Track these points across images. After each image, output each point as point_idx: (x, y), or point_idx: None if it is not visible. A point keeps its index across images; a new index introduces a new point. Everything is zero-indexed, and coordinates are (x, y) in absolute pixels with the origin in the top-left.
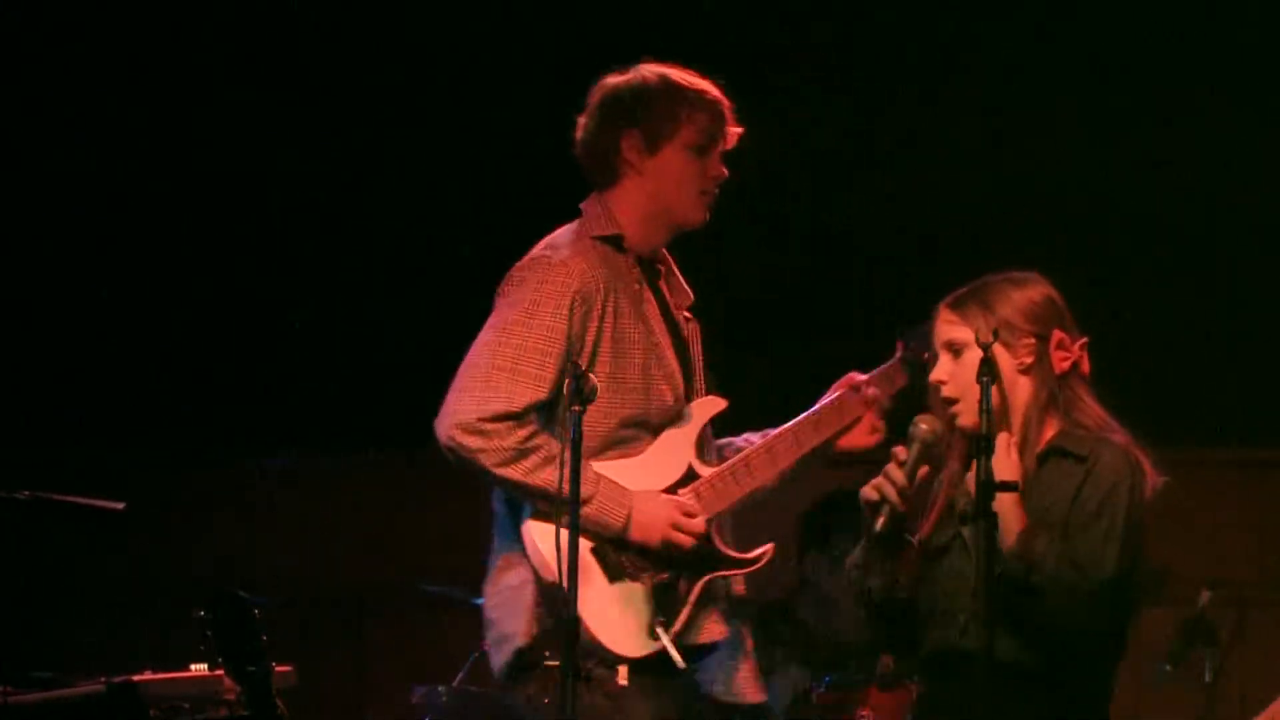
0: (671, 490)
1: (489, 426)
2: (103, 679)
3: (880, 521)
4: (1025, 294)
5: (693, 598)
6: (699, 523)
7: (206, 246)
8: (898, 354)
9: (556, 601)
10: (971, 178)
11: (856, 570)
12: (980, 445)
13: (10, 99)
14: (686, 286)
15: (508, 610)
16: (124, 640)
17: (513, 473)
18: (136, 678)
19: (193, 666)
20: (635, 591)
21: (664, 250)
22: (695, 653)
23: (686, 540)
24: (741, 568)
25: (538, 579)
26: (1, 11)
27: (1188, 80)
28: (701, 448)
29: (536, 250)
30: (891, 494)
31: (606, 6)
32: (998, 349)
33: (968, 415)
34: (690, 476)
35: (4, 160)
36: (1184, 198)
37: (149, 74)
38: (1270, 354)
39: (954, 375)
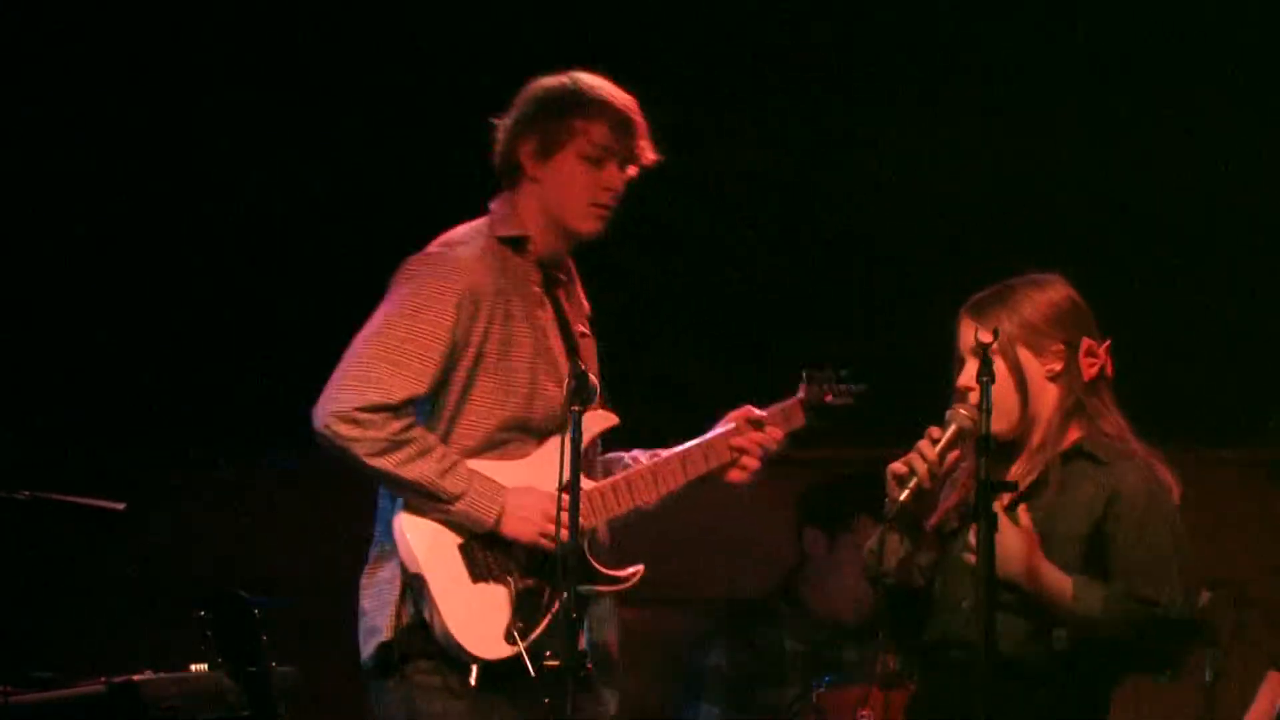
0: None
1: (364, 416)
2: (103, 679)
3: (905, 494)
4: (1049, 297)
5: (555, 607)
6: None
7: (207, 246)
8: (799, 394)
9: (420, 598)
10: (971, 178)
11: (872, 555)
12: (980, 445)
13: (10, 99)
14: (584, 300)
15: (377, 604)
16: (124, 640)
17: (385, 463)
18: (136, 678)
19: (193, 666)
20: (498, 594)
21: (568, 260)
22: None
23: (554, 546)
24: (609, 584)
25: (404, 572)
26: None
27: (1187, 80)
28: (585, 461)
29: (434, 244)
30: (921, 469)
31: (606, 7)
32: (1025, 355)
33: (997, 420)
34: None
35: (4, 160)
36: (1184, 197)
37: (149, 74)
38: (1271, 354)
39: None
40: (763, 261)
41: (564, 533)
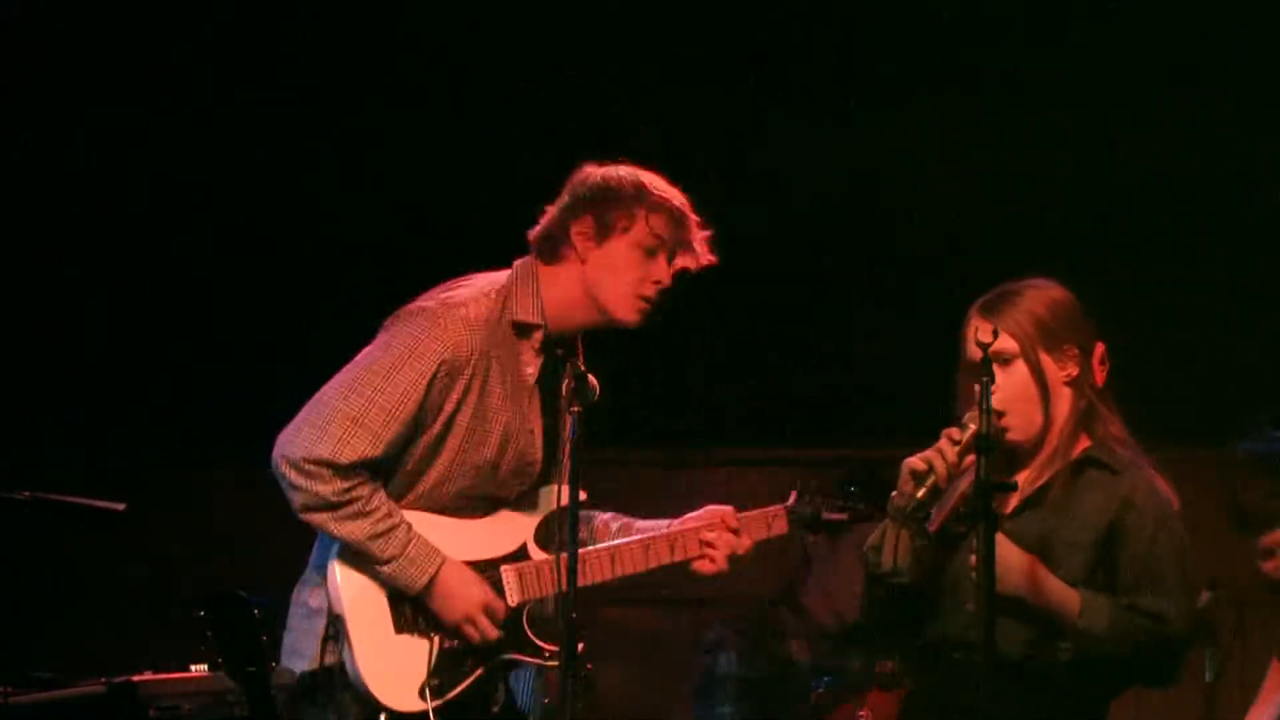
0: (496, 564)
1: (311, 469)
2: (103, 679)
3: (923, 492)
4: (1057, 299)
5: (478, 672)
6: (492, 628)
7: (208, 246)
8: (789, 502)
9: (340, 638)
10: (969, 179)
11: (873, 551)
12: (981, 444)
13: (11, 100)
14: (593, 384)
15: (304, 628)
16: (124, 640)
17: (316, 518)
18: (136, 678)
19: (193, 666)
20: (418, 648)
21: (578, 342)
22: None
23: (475, 635)
24: (535, 656)
25: (330, 613)
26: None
27: (1185, 79)
28: (543, 533)
29: (435, 295)
30: (940, 467)
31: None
32: (1045, 359)
33: (1022, 426)
34: (520, 555)
35: (4, 161)
36: (1183, 196)
37: (149, 76)
38: (1270, 354)
39: (1002, 386)
40: (761, 261)
41: (496, 632)
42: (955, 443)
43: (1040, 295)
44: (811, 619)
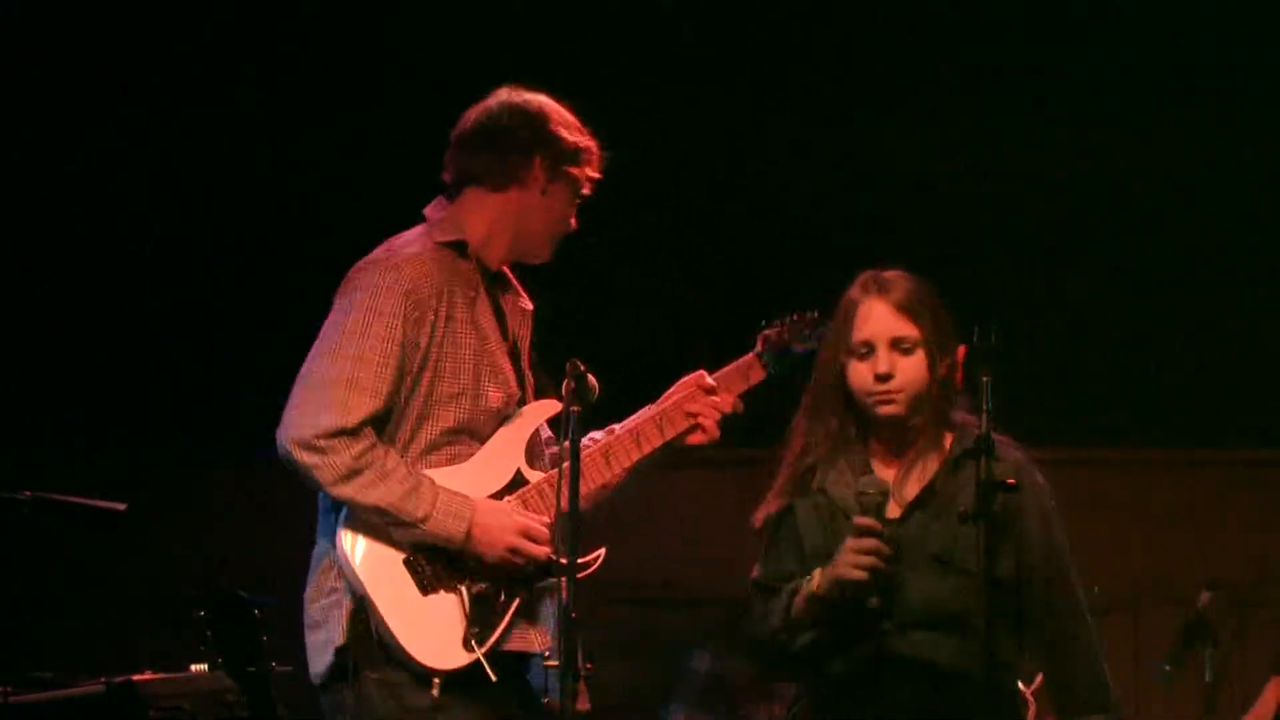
0: (498, 496)
1: (324, 443)
2: (103, 679)
3: (875, 600)
4: (943, 305)
5: (512, 608)
6: (540, 547)
7: (208, 246)
8: (757, 348)
9: (368, 610)
10: (972, 177)
11: (784, 634)
12: (980, 445)
13: (11, 101)
14: (522, 289)
15: (327, 614)
16: (124, 640)
17: (345, 490)
18: (136, 678)
19: (193, 666)
20: (449, 603)
21: (509, 274)
22: (518, 660)
23: (523, 561)
24: (556, 575)
25: (349, 588)
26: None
27: (1185, 79)
28: (531, 452)
29: (375, 252)
30: (880, 564)
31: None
32: (937, 357)
33: (899, 406)
34: (518, 482)
35: (4, 162)
36: (1183, 196)
37: (149, 77)
38: (1270, 354)
39: (902, 370)
40: (760, 261)
41: (545, 550)
42: (877, 533)
43: (932, 293)
44: None
